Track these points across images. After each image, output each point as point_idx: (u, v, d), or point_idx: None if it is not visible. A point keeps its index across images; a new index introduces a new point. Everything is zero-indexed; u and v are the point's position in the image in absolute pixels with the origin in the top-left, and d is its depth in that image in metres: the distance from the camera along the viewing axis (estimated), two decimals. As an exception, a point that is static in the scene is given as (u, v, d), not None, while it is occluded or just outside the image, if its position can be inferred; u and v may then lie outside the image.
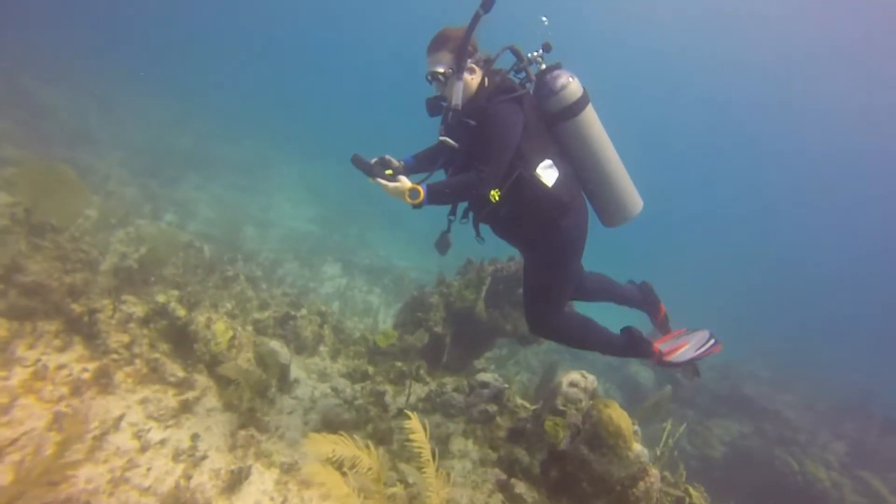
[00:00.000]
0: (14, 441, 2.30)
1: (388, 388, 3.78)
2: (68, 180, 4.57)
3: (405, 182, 2.11)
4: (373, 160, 2.32)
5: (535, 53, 2.42)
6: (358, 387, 3.76)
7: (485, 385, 3.53)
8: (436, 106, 2.32)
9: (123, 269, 4.44)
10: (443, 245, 2.45)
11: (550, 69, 2.38)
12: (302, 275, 8.14)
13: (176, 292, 3.56)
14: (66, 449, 2.31)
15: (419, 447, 2.00)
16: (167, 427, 2.78)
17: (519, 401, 3.64)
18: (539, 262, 2.50)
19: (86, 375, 2.84)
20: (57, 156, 7.93)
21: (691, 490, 2.92)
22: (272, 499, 2.49)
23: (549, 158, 2.31)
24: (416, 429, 2.06)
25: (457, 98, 2.25)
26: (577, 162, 2.43)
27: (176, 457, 2.56)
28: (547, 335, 2.71)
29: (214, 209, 11.07)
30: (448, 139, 2.29)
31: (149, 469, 2.41)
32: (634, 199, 2.56)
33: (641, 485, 2.60)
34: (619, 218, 2.59)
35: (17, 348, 2.89)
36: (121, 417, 2.68)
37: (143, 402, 2.88)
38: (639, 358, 2.88)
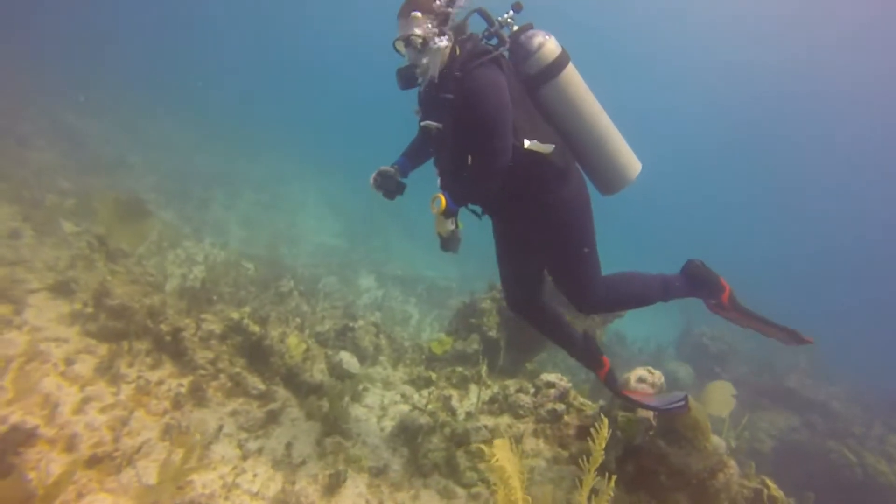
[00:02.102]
0: (138, 449, 2.48)
1: (453, 393, 3.91)
2: (136, 208, 4.83)
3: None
4: (372, 178, 2.42)
5: (506, 15, 2.22)
6: (425, 392, 3.90)
7: (550, 385, 3.65)
8: (409, 76, 2.12)
9: (187, 290, 4.66)
10: (452, 243, 2.17)
11: (523, 29, 2.23)
12: (340, 288, 8.33)
13: (247, 309, 3.74)
14: (180, 457, 2.48)
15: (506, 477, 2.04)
16: (258, 437, 2.95)
17: (581, 399, 3.74)
18: (556, 239, 2.33)
19: (182, 390, 3.03)
20: (102, 184, 8.28)
21: (769, 481, 2.98)
22: (367, 501, 2.63)
23: (537, 125, 2.17)
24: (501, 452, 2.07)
25: (434, 67, 2.08)
26: (565, 126, 2.27)
27: (275, 464, 2.72)
28: (606, 308, 2.62)
29: (245, 228, 11.38)
30: (430, 123, 2.15)
31: (255, 475, 2.58)
32: (631, 161, 2.39)
33: (721, 476, 2.68)
34: (618, 182, 2.40)
35: (120, 366, 3.10)
36: (220, 428, 2.85)
37: (234, 413, 3.06)
38: (706, 296, 2.70)
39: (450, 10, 2.09)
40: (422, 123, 2.19)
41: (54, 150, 9.56)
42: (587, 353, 2.82)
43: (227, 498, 2.40)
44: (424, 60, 2.08)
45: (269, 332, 3.52)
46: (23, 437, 2.18)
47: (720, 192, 35.10)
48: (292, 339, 3.54)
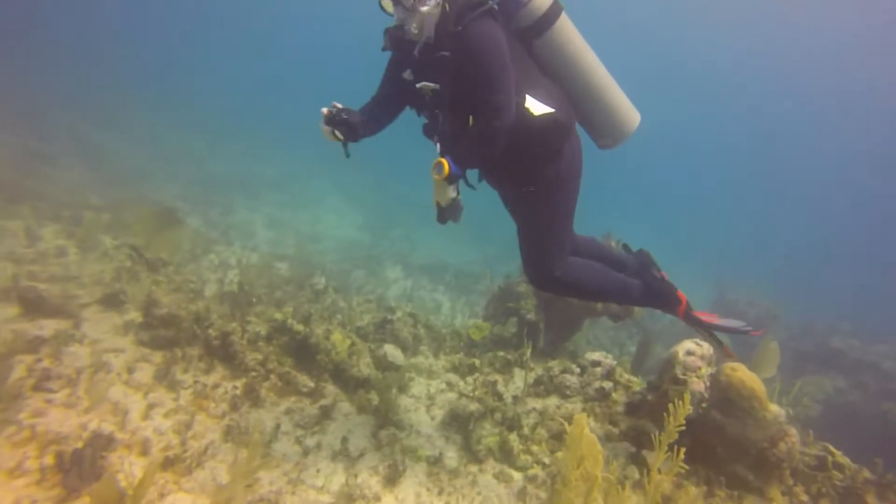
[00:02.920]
0: (205, 451, 2.59)
1: (498, 378, 3.95)
2: (168, 218, 4.96)
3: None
4: (323, 119, 2.14)
5: None
6: (470, 379, 3.95)
7: (596, 363, 3.65)
8: (398, 37, 2.03)
9: (227, 294, 4.78)
10: (453, 211, 2.02)
11: None
12: (369, 281, 8.43)
13: (289, 309, 3.83)
14: (246, 457, 2.58)
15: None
16: (314, 433, 3.04)
17: (627, 376, 3.73)
18: (540, 202, 2.24)
19: (237, 392, 3.13)
20: (129, 197, 8.51)
21: (832, 448, 2.94)
22: (428, 489, 2.69)
23: (536, 80, 2.10)
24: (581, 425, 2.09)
25: (429, 28, 1.98)
26: (561, 79, 2.20)
27: (335, 458, 2.81)
28: (555, 288, 2.49)
29: (270, 229, 11.56)
30: (427, 84, 2.04)
31: (318, 470, 2.66)
32: (630, 113, 2.32)
33: (782, 445, 2.65)
34: (616, 135, 2.34)
35: (176, 372, 3.22)
36: (277, 427, 2.95)
37: (288, 412, 3.15)
38: (662, 308, 2.66)
39: None
40: (418, 85, 2.06)
41: (80, 167, 9.86)
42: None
43: (293, 493, 2.49)
44: (414, 20, 1.96)
45: (314, 331, 3.59)
46: (104, 443, 2.30)
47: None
48: (336, 336, 3.61)
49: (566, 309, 4.75)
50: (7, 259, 4.55)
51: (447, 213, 2.03)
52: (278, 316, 3.67)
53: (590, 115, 2.30)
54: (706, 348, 3.18)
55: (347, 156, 2.19)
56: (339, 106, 2.13)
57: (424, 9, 1.94)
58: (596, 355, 3.75)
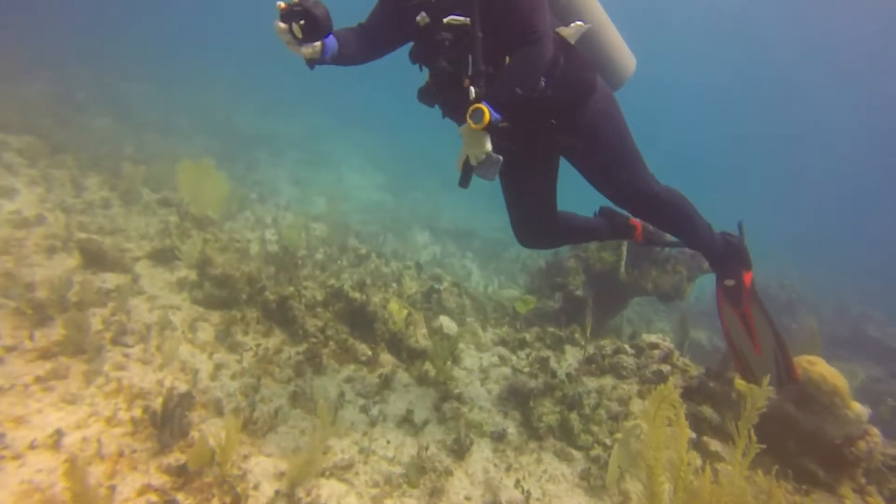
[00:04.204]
0: (275, 414, 2.65)
1: (549, 354, 3.95)
2: (211, 174, 4.91)
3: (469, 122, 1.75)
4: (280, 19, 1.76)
5: None
6: (521, 354, 3.95)
7: (654, 346, 3.62)
8: None
9: (271, 255, 4.78)
10: (490, 167, 1.83)
11: None
12: (399, 245, 8.41)
13: (346, 276, 3.81)
14: (318, 424, 2.62)
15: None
16: (376, 402, 3.07)
17: (685, 360, 3.71)
18: (595, 136, 2.12)
19: (300, 357, 3.16)
20: (160, 149, 8.45)
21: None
22: (496, 465, 2.73)
23: (553, 15, 1.99)
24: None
25: None
26: (567, 18, 2.12)
27: (401, 429, 2.84)
28: (657, 205, 2.33)
29: (295, 187, 11.50)
30: (456, 17, 1.82)
31: (388, 441, 2.70)
32: (628, 57, 2.34)
33: (862, 444, 2.62)
34: (617, 78, 2.33)
35: (236, 334, 3.25)
36: (341, 395, 2.98)
37: (349, 380, 3.18)
38: (733, 263, 2.65)
39: None
40: (445, 20, 1.83)
41: (108, 116, 9.77)
42: (616, 227, 2.73)
43: (366, 462, 2.54)
44: None
45: (371, 299, 3.59)
46: (185, 401, 2.34)
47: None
48: (393, 305, 3.61)
49: (613, 287, 4.70)
50: (59, 208, 4.56)
51: (480, 169, 1.83)
52: (333, 282, 3.66)
53: (594, 55, 2.25)
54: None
55: (311, 67, 1.87)
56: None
57: None
58: (653, 338, 3.72)
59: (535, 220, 2.44)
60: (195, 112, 14.01)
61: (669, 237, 2.81)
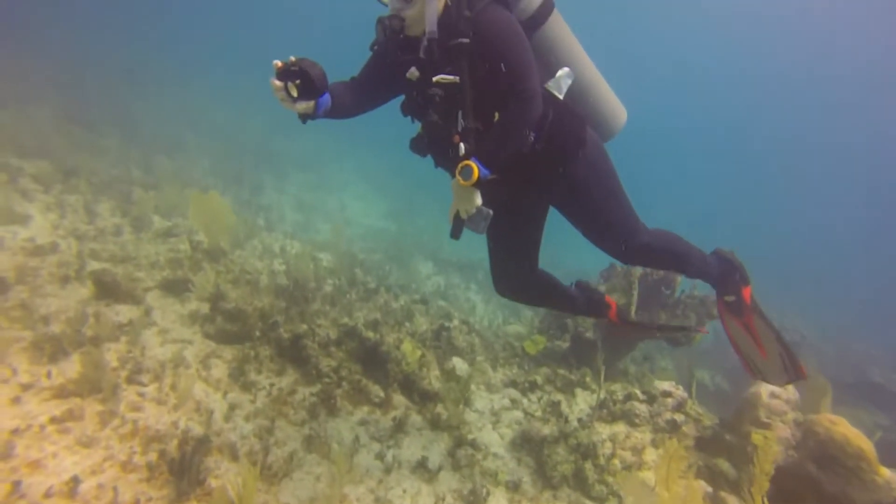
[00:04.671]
0: (290, 459, 2.62)
1: (560, 397, 3.94)
2: (220, 205, 4.96)
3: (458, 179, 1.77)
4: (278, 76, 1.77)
5: None
6: (533, 397, 3.94)
7: (667, 394, 3.62)
8: (393, 28, 1.84)
9: (281, 288, 4.79)
10: (479, 221, 1.87)
11: None
12: (403, 276, 8.42)
13: (360, 315, 3.82)
14: (333, 470, 2.59)
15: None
16: (390, 447, 3.05)
17: (698, 409, 3.70)
18: (586, 190, 2.15)
19: (314, 399, 3.14)
20: (168, 170, 8.54)
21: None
22: (511, 515, 2.70)
23: (542, 70, 2.02)
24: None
25: (431, 22, 1.83)
26: (555, 73, 2.15)
27: (416, 477, 2.82)
28: (650, 253, 2.38)
29: (299, 212, 11.58)
30: (445, 76, 1.84)
31: (403, 490, 2.68)
32: (619, 109, 2.34)
33: (887, 509, 2.61)
34: (606, 130, 2.34)
35: (250, 372, 3.24)
36: (356, 439, 2.96)
37: (363, 423, 3.16)
38: (725, 287, 2.66)
39: None
40: (435, 79, 1.86)
41: (117, 136, 9.88)
42: (591, 302, 2.69)
43: (382, 511, 2.51)
44: (412, 11, 1.83)
45: (385, 339, 3.59)
46: (201, 446, 2.32)
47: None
48: (407, 346, 3.61)
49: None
50: (72, 235, 4.58)
51: (470, 223, 1.87)
52: (347, 321, 3.67)
53: (583, 108, 2.25)
54: (791, 391, 3.15)
55: (303, 121, 1.91)
56: (295, 59, 1.80)
57: (429, 1, 1.80)
58: (666, 385, 3.72)
59: (514, 268, 2.43)
60: (202, 129, 14.20)
61: (646, 322, 2.82)
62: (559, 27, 2.14)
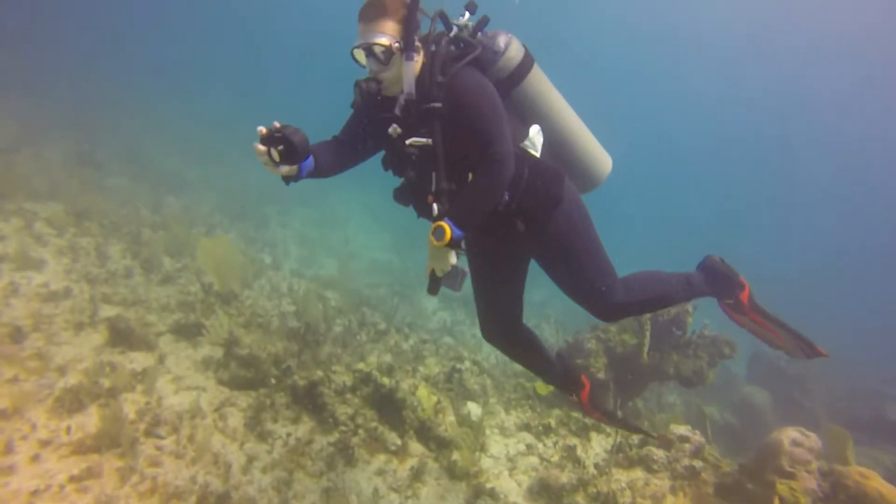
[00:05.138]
0: (321, 524, 2.58)
1: (576, 441, 3.91)
2: (229, 249, 5.03)
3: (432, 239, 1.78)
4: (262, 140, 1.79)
5: (463, 18, 2.05)
6: (548, 442, 3.91)
7: (685, 439, 3.60)
8: (370, 90, 1.87)
9: (292, 331, 4.80)
10: (455, 279, 1.89)
11: (478, 27, 2.07)
12: (409, 312, 8.43)
13: (373, 360, 3.84)
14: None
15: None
16: (408, 497, 3.01)
17: (716, 454, 3.68)
18: (562, 247, 2.15)
19: (331, 449, 3.13)
20: (176, 208, 8.65)
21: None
22: (534, 571, 2.65)
23: (518, 128, 2.07)
24: None
25: (409, 83, 1.87)
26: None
27: (437, 530, 2.78)
28: (627, 312, 2.38)
29: (303, 247, 11.66)
30: (418, 139, 1.89)
31: (425, 545, 2.63)
32: (603, 158, 2.34)
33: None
34: (591, 180, 2.35)
35: (266, 421, 3.23)
36: (375, 491, 2.93)
37: (380, 473, 3.14)
38: (724, 293, 2.59)
39: (417, 16, 1.89)
40: (408, 142, 1.90)
41: (125, 174, 10.05)
42: (566, 375, 2.68)
43: (405, 570, 2.47)
44: (389, 73, 1.86)
45: (400, 385, 3.60)
46: (220, 502, 2.30)
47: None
48: (422, 392, 3.61)
49: (634, 371, 4.72)
50: (84, 279, 4.62)
51: (448, 281, 1.88)
52: (362, 366, 3.68)
53: (565, 161, 2.26)
54: (813, 439, 3.14)
55: (287, 183, 1.93)
56: (279, 125, 1.84)
57: (406, 60, 1.84)
58: (682, 430, 3.70)
59: (496, 317, 2.41)
60: (207, 164, 14.41)
61: (611, 414, 2.80)
62: (539, 82, 2.15)
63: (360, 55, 1.89)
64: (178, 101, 19.26)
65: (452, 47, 2.02)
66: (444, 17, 2.02)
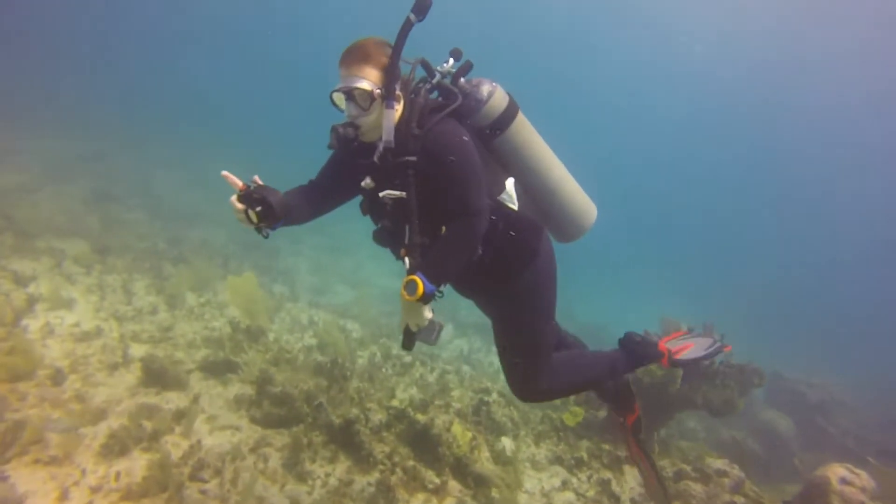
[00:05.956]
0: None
1: (609, 475, 3.89)
2: (254, 285, 5.12)
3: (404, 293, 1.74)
4: (238, 199, 1.78)
5: (447, 65, 2.02)
6: (581, 476, 3.90)
7: (722, 473, 3.59)
8: (346, 137, 1.82)
9: (320, 366, 4.84)
10: (430, 332, 1.87)
11: (460, 73, 2.04)
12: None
13: (406, 396, 3.86)
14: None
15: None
16: (449, 538, 3.00)
17: (757, 489, 3.65)
18: (520, 307, 2.11)
19: (371, 490, 3.13)
20: (194, 240, 8.79)
21: None
22: None
23: (498, 179, 2.03)
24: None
25: (388, 131, 1.82)
26: (521, 176, 2.14)
27: (483, 572, 2.77)
28: (544, 398, 2.33)
29: (315, 275, 11.76)
30: (392, 192, 1.85)
31: (473, 589, 2.62)
32: (588, 207, 2.29)
33: None
34: (576, 230, 2.30)
35: (304, 461, 3.24)
36: (418, 532, 2.93)
37: (420, 512, 3.13)
38: (647, 364, 2.61)
39: (399, 65, 1.84)
40: (381, 194, 1.86)
41: (142, 209, 10.25)
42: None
43: None
44: (368, 119, 1.81)
45: (435, 421, 3.61)
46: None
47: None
48: (457, 428, 3.63)
49: (662, 401, 4.71)
50: (113, 317, 4.70)
51: (424, 334, 1.85)
52: (397, 403, 3.71)
53: (548, 211, 2.23)
54: (864, 477, 3.10)
55: (265, 237, 1.91)
56: (259, 182, 1.83)
57: (386, 108, 1.80)
58: (719, 463, 3.70)
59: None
60: (218, 194, 14.62)
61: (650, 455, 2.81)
62: (523, 130, 2.10)
63: (340, 99, 1.84)
64: (184, 134, 19.67)
65: (434, 94, 2.00)
66: (426, 65, 1.98)
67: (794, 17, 23.84)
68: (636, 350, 2.51)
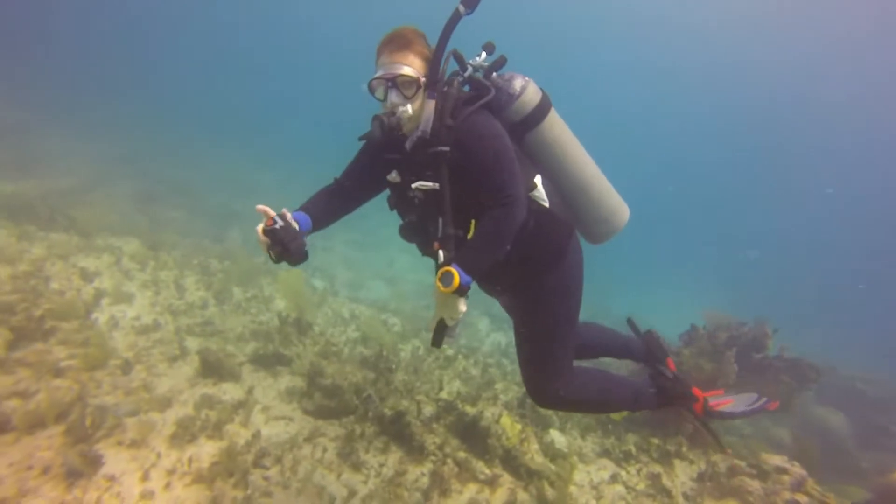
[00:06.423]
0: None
1: (659, 469, 3.86)
2: (301, 280, 5.29)
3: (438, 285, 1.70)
4: (262, 231, 1.80)
5: (479, 58, 2.00)
6: (631, 469, 3.88)
7: (782, 470, 3.51)
8: (389, 125, 1.82)
9: (365, 359, 4.95)
10: (454, 329, 1.83)
11: (494, 68, 2.02)
12: (464, 334, 8.51)
13: (455, 388, 3.92)
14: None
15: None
16: (503, 528, 3.05)
17: (819, 488, 3.56)
18: (541, 309, 2.08)
19: (425, 480, 3.21)
20: (233, 238, 9.08)
21: None
22: None
23: (530, 175, 1.99)
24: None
25: (427, 122, 1.82)
26: (551, 174, 2.11)
27: (539, 563, 2.80)
28: (558, 406, 2.28)
29: (350, 270, 11.98)
30: (424, 183, 1.84)
31: (531, 578, 2.66)
32: (621, 207, 2.24)
33: None
34: (607, 230, 2.25)
35: (359, 451, 3.34)
36: (472, 522, 2.99)
37: (473, 503, 3.19)
38: (677, 406, 2.48)
39: (444, 53, 1.84)
40: (413, 186, 1.85)
41: (183, 208, 10.65)
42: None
43: None
44: (410, 108, 1.81)
45: (484, 413, 3.66)
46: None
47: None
48: (506, 420, 3.67)
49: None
50: (168, 312, 4.92)
51: (452, 330, 1.81)
52: (446, 395, 3.77)
53: (579, 210, 2.19)
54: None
55: (276, 262, 1.87)
56: (288, 216, 1.84)
57: (428, 100, 1.81)
58: (777, 459, 3.61)
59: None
60: (248, 193, 15.06)
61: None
62: (556, 127, 2.07)
63: (380, 87, 1.84)
64: (215, 140, 20.27)
65: (466, 87, 2.00)
66: (458, 57, 1.97)
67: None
68: (666, 386, 2.43)
